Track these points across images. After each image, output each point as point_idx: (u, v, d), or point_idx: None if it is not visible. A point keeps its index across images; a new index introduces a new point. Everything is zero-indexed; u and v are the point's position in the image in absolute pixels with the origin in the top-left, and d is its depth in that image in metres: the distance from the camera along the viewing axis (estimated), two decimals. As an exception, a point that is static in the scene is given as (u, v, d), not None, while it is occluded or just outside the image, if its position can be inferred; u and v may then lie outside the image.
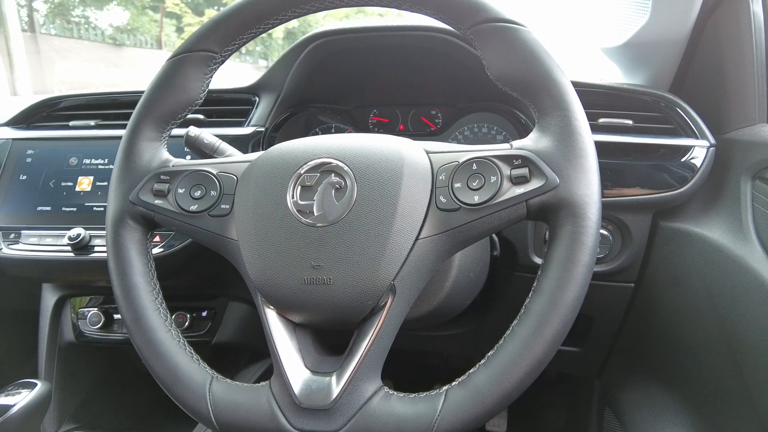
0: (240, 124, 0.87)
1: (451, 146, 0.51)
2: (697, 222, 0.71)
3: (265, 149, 0.85)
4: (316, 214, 0.47)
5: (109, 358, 1.06)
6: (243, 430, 0.47)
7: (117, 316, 0.94)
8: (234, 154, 0.70)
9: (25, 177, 0.86)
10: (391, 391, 0.46)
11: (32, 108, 0.95)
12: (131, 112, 0.90)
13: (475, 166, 0.46)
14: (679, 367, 0.78)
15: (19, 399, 0.64)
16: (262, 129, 0.86)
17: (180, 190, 0.53)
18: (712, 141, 0.70)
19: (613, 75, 0.93)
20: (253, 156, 0.55)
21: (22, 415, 0.63)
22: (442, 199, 0.46)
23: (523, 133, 0.84)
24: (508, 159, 0.46)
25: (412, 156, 0.48)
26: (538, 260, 0.79)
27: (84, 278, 0.86)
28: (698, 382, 0.73)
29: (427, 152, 0.49)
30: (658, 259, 0.76)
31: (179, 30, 15.11)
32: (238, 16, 0.54)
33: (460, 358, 1.33)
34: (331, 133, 0.95)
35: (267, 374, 1.11)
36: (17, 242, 0.81)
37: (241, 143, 0.82)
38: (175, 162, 0.56)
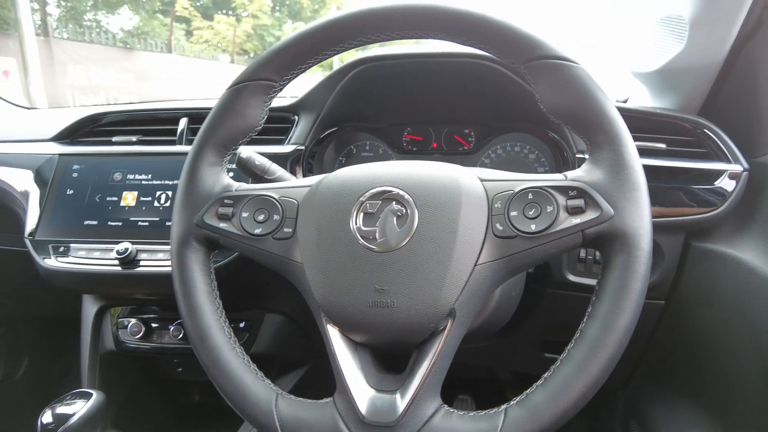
0: (280, 142, 0.89)
1: (504, 174, 0.53)
2: (730, 243, 0.73)
3: (305, 167, 0.88)
4: (378, 239, 0.50)
5: (144, 366, 1.08)
6: None
7: (155, 326, 0.97)
8: (283, 174, 0.73)
9: (72, 192, 0.89)
10: (451, 410, 0.48)
11: (77, 124, 0.98)
12: (170, 129, 0.94)
13: (530, 196, 0.49)
14: (708, 384, 0.80)
15: (77, 409, 0.66)
16: (302, 147, 0.88)
17: (244, 214, 0.56)
18: (746, 165, 0.73)
19: (640, 96, 0.96)
20: (311, 181, 0.57)
21: (81, 425, 0.65)
22: (499, 227, 0.49)
23: (558, 153, 0.86)
24: (563, 190, 0.48)
25: (469, 184, 0.51)
26: (572, 278, 0.81)
27: (129, 291, 0.88)
28: (728, 399, 0.75)
29: (481, 180, 0.52)
30: (689, 278, 0.78)
31: (188, 34, 15.24)
32: (297, 46, 0.56)
33: (482, 368, 1.35)
34: (365, 150, 0.97)
35: (300, 385, 1.14)
36: (67, 255, 0.84)
37: (281, 161, 0.84)
38: (238, 186, 0.58)
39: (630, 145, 0.48)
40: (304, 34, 0.56)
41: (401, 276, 0.48)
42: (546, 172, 0.91)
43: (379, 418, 0.47)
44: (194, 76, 12.01)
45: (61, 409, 0.66)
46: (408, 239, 0.49)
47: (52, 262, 0.83)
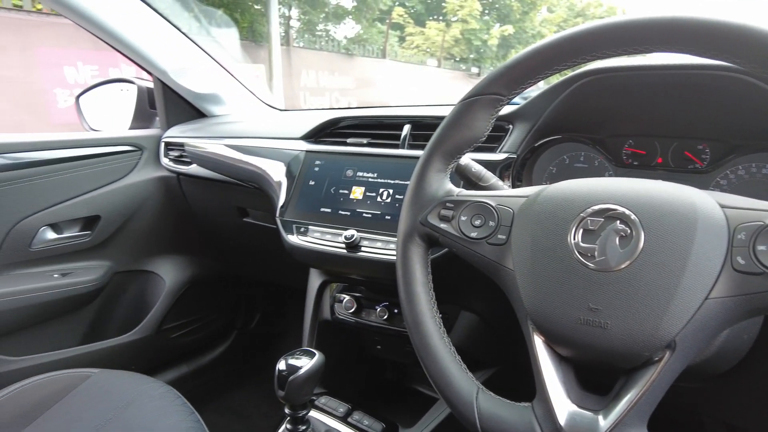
0: (491, 150, 0.93)
1: (751, 202, 0.48)
2: None
3: (514, 175, 0.90)
4: (597, 258, 0.49)
5: (350, 339, 1.23)
6: None
7: (365, 304, 1.09)
8: (496, 183, 0.76)
9: (313, 183, 1.06)
10: None
11: (320, 126, 1.16)
12: (395, 134, 1.05)
13: None
14: None
15: (304, 363, 0.79)
16: (514, 156, 0.90)
17: (463, 218, 0.60)
18: None
19: None
20: (528, 191, 0.59)
21: (306, 377, 0.78)
22: (740, 261, 0.44)
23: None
24: None
25: (707, 209, 0.47)
26: None
27: (350, 271, 1.01)
28: None
29: (722, 206, 0.48)
30: None
31: (401, 39, 16.39)
32: (529, 61, 0.58)
33: (686, 412, 1.20)
34: (579, 161, 0.95)
35: (486, 385, 1.17)
36: (306, 234, 1.00)
37: (491, 168, 0.87)
38: (459, 192, 0.63)
39: None
40: (538, 49, 0.57)
41: (618, 298, 0.47)
42: None
43: None
44: (404, 79, 12.86)
45: (292, 361, 0.79)
46: (629, 262, 0.48)
47: (294, 239, 1.01)
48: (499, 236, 0.58)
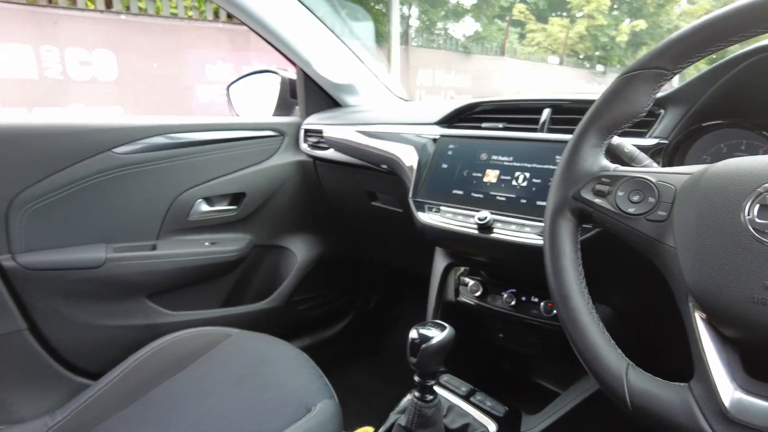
0: (641, 135, 0.88)
1: None
2: None
3: (667, 162, 0.85)
4: None
5: (471, 324, 1.24)
6: (657, 420, 0.50)
7: (491, 289, 1.10)
8: (650, 164, 0.73)
9: (446, 166, 1.08)
10: None
11: (455, 111, 1.19)
12: (533, 118, 1.03)
13: None
14: None
15: (435, 334, 0.82)
16: (665, 141, 0.85)
17: (620, 193, 0.59)
18: None
19: None
20: (692, 169, 0.56)
21: (437, 348, 0.80)
22: None
23: None
24: None
25: None
26: None
27: (480, 252, 1.02)
28: None
29: None
30: None
31: (521, 36, 15.90)
32: (700, 34, 0.55)
33: None
34: (739, 150, 0.87)
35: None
36: (438, 214, 1.03)
37: None
38: (616, 168, 0.62)
39: None
40: (710, 21, 0.55)
41: None
42: None
43: (748, 418, 0.44)
44: (523, 77, 12.48)
45: (423, 331, 0.82)
46: None
47: (426, 218, 1.04)
48: (660, 213, 0.56)
